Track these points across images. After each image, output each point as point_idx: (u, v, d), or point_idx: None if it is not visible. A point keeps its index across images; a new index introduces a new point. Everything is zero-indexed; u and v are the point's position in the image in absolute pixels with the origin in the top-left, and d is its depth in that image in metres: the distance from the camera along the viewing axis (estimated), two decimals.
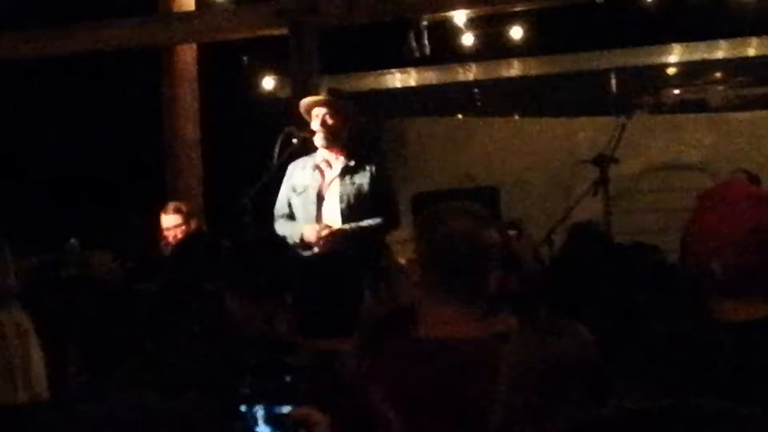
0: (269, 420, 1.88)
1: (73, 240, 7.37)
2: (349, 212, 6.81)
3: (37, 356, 3.08)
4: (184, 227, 7.69)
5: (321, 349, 3.45)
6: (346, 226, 6.74)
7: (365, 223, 6.75)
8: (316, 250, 6.57)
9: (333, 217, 6.83)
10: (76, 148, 12.78)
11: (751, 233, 2.72)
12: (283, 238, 6.43)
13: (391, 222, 6.87)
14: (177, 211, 7.87)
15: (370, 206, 6.81)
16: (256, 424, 1.87)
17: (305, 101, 7.13)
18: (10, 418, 2.91)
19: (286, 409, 1.91)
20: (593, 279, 3.30)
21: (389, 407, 2.38)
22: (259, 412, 1.89)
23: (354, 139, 7.00)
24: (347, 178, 6.87)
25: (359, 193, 6.83)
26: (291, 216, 6.95)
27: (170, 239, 7.59)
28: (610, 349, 2.54)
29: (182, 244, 5.96)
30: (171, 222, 7.80)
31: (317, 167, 6.93)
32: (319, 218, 6.85)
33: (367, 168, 6.89)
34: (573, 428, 0.89)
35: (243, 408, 1.86)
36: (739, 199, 2.80)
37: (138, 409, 1.14)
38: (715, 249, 2.74)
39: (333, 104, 6.96)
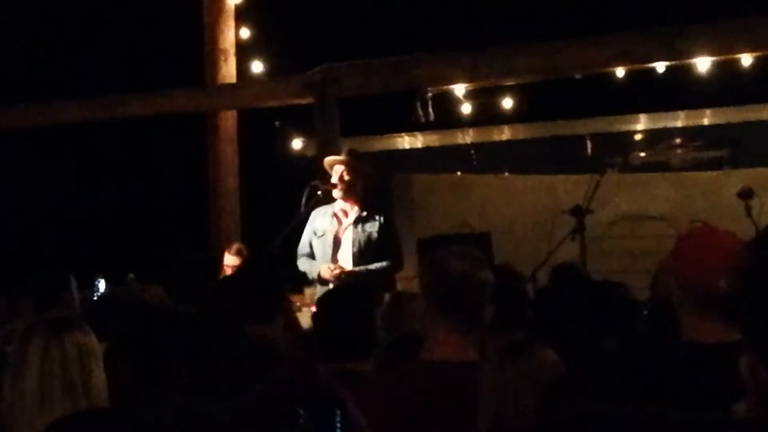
0: None
1: (131, 275, 7.37)
2: (360, 256, 6.82)
3: (99, 373, 3.05)
4: None
5: (345, 370, 3.43)
6: (357, 269, 6.75)
7: (373, 266, 6.77)
8: (331, 286, 6.57)
9: (346, 259, 6.86)
10: (137, 197, 12.84)
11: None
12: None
13: (395, 265, 6.90)
14: (239, 253, 7.86)
15: (378, 251, 6.83)
16: None
17: (328, 159, 7.17)
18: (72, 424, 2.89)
19: None
20: (572, 309, 3.30)
21: (362, 416, 2.34)
22: None
23: (367, 192, 7.02)
24: (359, 226, 6.88)
25: (369, 240, 6.85)
26: (311, 255, 6.97)
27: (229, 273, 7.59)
28: (579, 367, 2.54)
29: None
30: (232, 261, 7.79)
31: (335, 215, 6.95)
32: (334, 259, 6.87)
33: (377, 218, 6.90)
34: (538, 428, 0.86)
35: None
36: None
37: (189, 412, 1.13)
38: (721, 270, 2.71)
39: (351, 163, 6.99)
